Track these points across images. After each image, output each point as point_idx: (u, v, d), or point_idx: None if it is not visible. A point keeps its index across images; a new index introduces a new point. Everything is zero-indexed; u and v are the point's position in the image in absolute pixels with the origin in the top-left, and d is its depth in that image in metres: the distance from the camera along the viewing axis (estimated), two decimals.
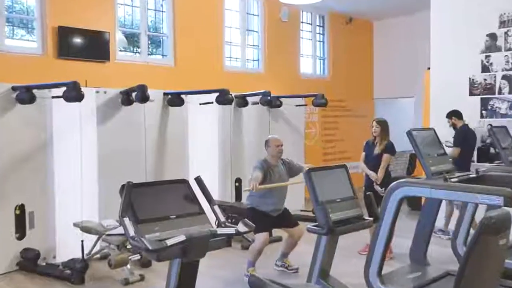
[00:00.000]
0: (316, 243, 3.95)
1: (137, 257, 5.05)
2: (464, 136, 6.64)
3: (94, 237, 5.39)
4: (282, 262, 5.45)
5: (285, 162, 5.37)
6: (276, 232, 5.92)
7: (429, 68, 7.78)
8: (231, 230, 2.98)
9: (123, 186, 2.83)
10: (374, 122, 6.02)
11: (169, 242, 2.64)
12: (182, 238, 2.68)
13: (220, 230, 2.94)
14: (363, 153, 6.12)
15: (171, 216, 2.89)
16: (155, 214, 2.85)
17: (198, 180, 3.17)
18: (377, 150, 5.87)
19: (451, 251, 4.96)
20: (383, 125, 5.93)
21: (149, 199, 2.95)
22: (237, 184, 7.47)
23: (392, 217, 4.07)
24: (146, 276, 5.16)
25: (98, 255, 5.61)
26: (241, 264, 5.41)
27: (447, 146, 7.31)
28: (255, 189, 4.79)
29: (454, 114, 7.10)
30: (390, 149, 5.88)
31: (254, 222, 4.86)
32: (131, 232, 2.68)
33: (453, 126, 6.96)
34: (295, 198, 8.00)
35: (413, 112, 10.65)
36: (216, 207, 3.10)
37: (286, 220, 5.28)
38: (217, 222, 3.12)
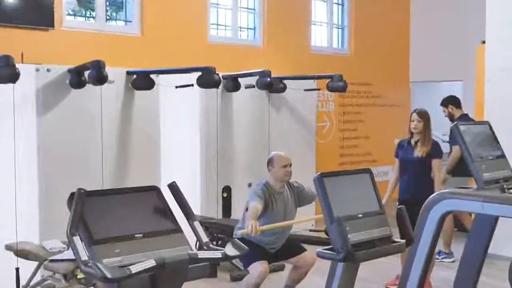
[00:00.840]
0: (329, 272, 3.99)
1: None
2: None
3: (34, 264, 5.40)
4: None
5: (293, 187, 5.43)
6: None
7: (483, 42, 7.83)
8: (216, 254, 3.01)
9: (72, 195, 2.86)
10: (414, 114, 6.03)
11: (134, 269, 2.67)
12: (151, 263, 2.71)
13: (202, 254, 2.96)
14: (397, 160, 6.10)
15: (137, 235, 2.92)
16: (116, 232, 2.88)
17: (173, 187, 3.21)
18: (418, 152, 5.85)
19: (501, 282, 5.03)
20: (427, 118, 5.95)
21: (107, 213, 2.98)
22: (225, 194, 7.51)
23: (432, 239, 4.14)
24: None
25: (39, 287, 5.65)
26: None
27: (443, 141, 7.73)
28: (255, 232, 4.77)
29: (452, 102, 7.36)
30: (438, 150, 5.88)
31: (248, 252, 4.99)
32: (83, 255, 2.71)
33: (450, 116, 7.42)
34: (303, 214, 8.05)
35: (462, 100, 10.68)
36: (196, 223, 3.13)
37: (288, 249, 5.36)
38: (197, 243, 3.16)
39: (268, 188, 5.23)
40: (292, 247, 5.39)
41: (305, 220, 5.44)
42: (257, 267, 5.03)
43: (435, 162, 5.79)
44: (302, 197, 5.43)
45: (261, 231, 4.86)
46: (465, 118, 7.15)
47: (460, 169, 6.53)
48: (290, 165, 5.30)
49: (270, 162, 5.35)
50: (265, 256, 5.19)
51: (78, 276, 5.18)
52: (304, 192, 5.44)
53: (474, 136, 4.73)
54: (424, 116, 5.92)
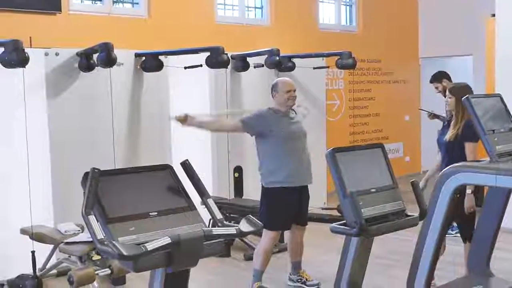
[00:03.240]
0: (343, 248, 4.01)
1: (106, 271, 5.12)
2: None
3: (49, 247, 5.46)
4: (297, 275, 5.55)
5: (297, 112, 5.47)
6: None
7: (493, 15, 7.78)
8: (231, 230, 3.03)
9: (86, 174, 2.88)
10: (447, 90, 5.33)
11: (150, 247, 2.69)
12: (166, 240, 2.73)
13: (217, 230, 2.98)
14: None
15: (151, 213, 2.94)
16: (130, 211, 2.90)
17: (186, 165, 3.22)
18: (447, 135, 5.07)
19: None
20: (460, 94, 4.87)
21: (121, 192, 3.00)
22: (236, 174, 7.53)
23: (444, 213, 4.14)
24: None
25: (54, 270, 5.70)
26: (244, 280, 5.51)
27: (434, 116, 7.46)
28: (183, 118, 5.09)
29: (446, 76, 7.35)
30: (470, 131, 4.73)
31: (268, 213, 5.05)
32: (99, 234, 2.73)
33: (444, 91, 6.97)
34: (315, 192, 8.07)
35: (472, 74, 10.66)
36: (210, 201, 3.15)
37: (302, 213, 5.39)
38: (211, 220, 3.18)
39: (272, 110, 5.26)
40: (304, 214, 5.42)
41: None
42: (269, 233, 5.16)
43: (467, 147, 4.94)
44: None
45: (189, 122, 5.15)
46: None
47: None
48: (294, 91, 5.31)
49: (274, 87, 5.34)
50: (290, 215, 5.25)
51: (93, 258, 5.24)
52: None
53: (486, 109, 4.70)
54: (457, 91, 5.04)
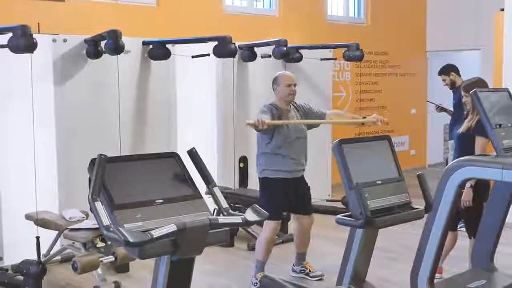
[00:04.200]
0: (348, 239, 4.03)
1: (110, 258, 5.12)
2: None
3: (54, 233, 5.48)
4: (301, 266, 5.56)
5: (299, 107, 5.44)
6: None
7: (502, 10, 7.75)
8: (236, 219, 3.04)
9: (93, 160, 2.89)
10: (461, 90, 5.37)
11: (156, 234, 2.70)
12: (172, 228, 2.74)
13: (222, 219, 2.99)
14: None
15: (157, 201, 2.96)
16: (136, 198, 2.91)
17: (192, 153, 3.23)
18: (462, 127, 5.13)
19: None
20: (473, 89, 4.76)
21: (128, 178, 3.01)
22: (241, 164, 7.54)
23: (450, 207, 4.14)
24: (122, 284, 5.25)
25: (58, 257, 5.73)
26: (247, 270, 5.52)
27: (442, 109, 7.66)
28: (262, 124, 4.79)
29: (454, 69, 7.31)
30: (482, 126, 4.64)
31: (267, 203, 5.05)
32: (105, 220, 2.74)
33: (452, 85, 7.36)
34: (319, 184, 8.08)
35: (480, 69, 10.62)
36: (216, 189, 3.16)
37: (302, 202, 5.39)
38: (217, 209, 3.19)
39: (275, 107, 5.23)
40: (306, 202, 5.43)
41: (317, 121, 5.46)
42: (270, 223, 5.16)
43: (477, 141, 4.92)
44: (311, 113, 5.44)
45: (267, 125, 4.85)
46: None
47: None
48: (295, 85, 5.30)
49: (275, 81, 5.33)
50: (287, 203, 5.28)
51: (98, 245, 5.25)
52: (312, 110, 5.46)
53: (493, 103, 4.69)
54: (470, 88, 4.87)
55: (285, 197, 5.25)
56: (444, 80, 7.49)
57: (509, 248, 5.92)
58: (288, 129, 5.20)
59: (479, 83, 5.14)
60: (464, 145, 5.03)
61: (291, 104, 5.35)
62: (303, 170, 5.39)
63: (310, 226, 5.45)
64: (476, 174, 4.22)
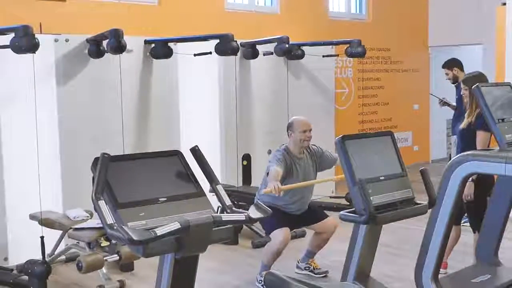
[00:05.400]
0: (352, 235, 4.03)
1: (115, 257, 5.15)
2: None
3: (58, 233, 5.49)
4: (306, 263, 5.56)
5: (313, 152, 5.40)
6: None
7: (504, 4, 7.73)
8: (240, 217, 3.04)
9: (96, 159, 2.90)
10: (461, 83, 5.50)
11: (160, 232, 2.70)
12: (176, 226, 2.75)
13: (226, 216, 2.99)
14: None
15: (161, 199, 2.96)
16: (140, 196, 2.92)
17: (195, 151, 3.23)
18: (463, 123, 5.11)
19: None
20: (473, 83, 4.73)
21: (131, 177, 3.01)
22: (245, 162, 7.54)
23: (454, 202, 4.15)
24: (127, 283, 5.27)
25: (63, 256, 5.73)
26: (251, 268, 5.52)
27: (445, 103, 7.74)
28: (278, 191, 4.70)
29: (457, 64, 7.34)
30: (482, 121, 4.70)
31: (270, 217, 5.02)
32: (109, 219, 2.75)
33: (454, 79, 7.36)
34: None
35: (481, 63, 10.60)
36: (219, 187, 3.17)
37: (310, 214, 5.38)
38: (220, 206, 3.19)
39: (288, 153, 5.22)
40: (314, 212, 5.42)
41: (326, 180, 5.45)
42: (279, 235, 5.05)
43: (478, 135, 4.92)
44: (322, 160, 5.42)
45: (283, 191, 4.81)
46: None
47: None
48: (310, 130, 5.29)
49: (290, 127, 5.32)
50: (288, 222, 5.19)
51: (102, 244, 5.27)
52: (324, 156, 5.42)
53: (496, 98, 4.69)
54: (469, 82, 5.07)
55: (288, 216, 5.24)
56: (446, 74, 7.51)
57: (510, 242, 5.92)
58: (297, 177, 5.20)
59: (478, 77, 5.14)
60: (466, 140, 5.03)
61: (304, 150, 5.33)
62: (306, 207, 5.40)
63: (333, 229, 5.32)
64: (479, 168, 4.22)
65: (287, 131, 5.34)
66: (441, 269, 5.39)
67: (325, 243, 5.45)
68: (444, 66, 7.59)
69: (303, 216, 5.35)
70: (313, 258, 5.56)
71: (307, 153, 5.36)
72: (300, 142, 5.25)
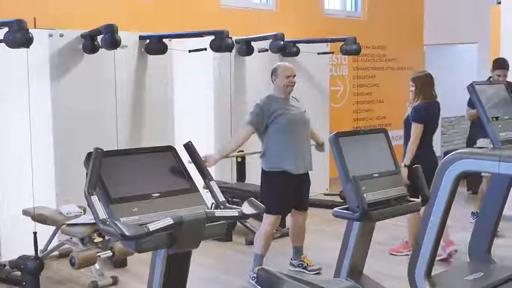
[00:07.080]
0: (345, 232, 4.03)
1: (108, 253, 5.14)
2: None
3: (51, 228, 5.49)
4: (299, 261, 5.57)
5: (302, 105, 5.44)
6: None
7: (499, 3, 7.74)
8: (233, 212, 3.04)
9: (89, 154, 2.89)
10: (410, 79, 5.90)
11: (152, 227, 2.70)
12: (168, 221, 2.74)
13: (219, 212, 2.99)
14: None
15: (154, 195, 2.95)
16: (133, 192, 2.91)
17: (189, 147, 3.23)
18: (406, 115, 5.80)
19: None
20: (416, 82, 5.70)
21: (124, 172, 3.01)
22: (239, 159, 7.53)
23: (446, 201, 4.16)
24: (120, 279, 5.27)
25: (56, 252, 5.73)
26: (244, 265, 5.52)
27: None
28: (210, 164, 4.97)
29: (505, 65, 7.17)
30: (415, 114, 5.57)
31: (269, 197, 5.06)
32: (101, 214, 2.74)
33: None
34: (317, 178, 8.07)
35: (476, 62, 10.63)
36: (213, 183, 3.16)
37: (301, 198, 5.40)
38: (214, 202, 3.19)
39: (271, 99, 5.24)
40: (304, 198, 5.43)
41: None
42: (269, 218, 5.18)
43: (412, 126, 5.56)
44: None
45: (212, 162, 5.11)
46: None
47: None
48: (294, 76, 5.29)
49: (274, 72, 5.31)
50: (290, 199, 5.26)
51: (95, 240, 5.27)
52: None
53: (490, 96, 4.71)
54: (414, 79, 5.71)
55: (288, 193, 5.25)
56: (499, 75, 6.75)
57: (506, 240, 5.94)
58: (291, 114, 5.22)
59: (426, 77, 5.70)
60: (407, 129, 5.65)
61: (291, 96, 5.35)
62: (310, 168, 5.40)
63: (304, 222, 5.48)
64: (473, 166, 4.24)
65: (271, 77, 5.34)
66: (451, 247, 5.49)
67: (302, 233, 5.53)
68: (501, 67, 6.82)
69: (300, 189, 5.33)
70: (303, 253, 5.59)
71: (297, 102, 5.40)
72: (284, 88, 5.25)
